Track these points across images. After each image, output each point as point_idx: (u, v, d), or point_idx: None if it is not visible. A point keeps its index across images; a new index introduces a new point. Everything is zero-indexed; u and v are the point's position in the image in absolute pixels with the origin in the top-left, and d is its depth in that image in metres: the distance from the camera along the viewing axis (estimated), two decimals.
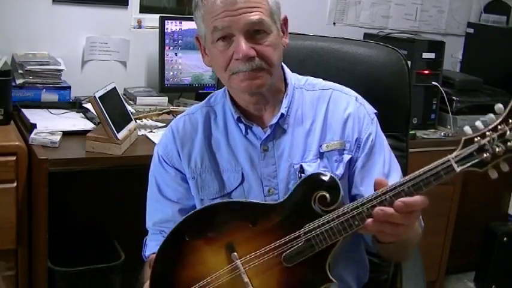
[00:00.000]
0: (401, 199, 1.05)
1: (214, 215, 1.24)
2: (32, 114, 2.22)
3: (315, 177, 1.20)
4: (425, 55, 2.81)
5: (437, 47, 2.85)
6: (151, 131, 2.27)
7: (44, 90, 2.37)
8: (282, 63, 1.37)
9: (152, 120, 2.38)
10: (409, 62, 1.64)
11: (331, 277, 1.15)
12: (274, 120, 1.32)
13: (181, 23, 2.60)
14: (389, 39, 2.97)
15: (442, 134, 2.80)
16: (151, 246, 1.39)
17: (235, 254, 1.19)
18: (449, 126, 2.88)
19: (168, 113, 2.43)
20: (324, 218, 1.14)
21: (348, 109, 1.34)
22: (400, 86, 1.59)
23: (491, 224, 3.04)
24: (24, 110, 2.25)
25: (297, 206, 1.19)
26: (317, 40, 1.70)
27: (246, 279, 1.17)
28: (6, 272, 2.01)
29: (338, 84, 1.40)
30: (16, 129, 2.14)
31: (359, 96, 1.38)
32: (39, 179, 1.91)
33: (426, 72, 2.79)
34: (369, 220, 1.08)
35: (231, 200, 1.32)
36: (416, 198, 1.06)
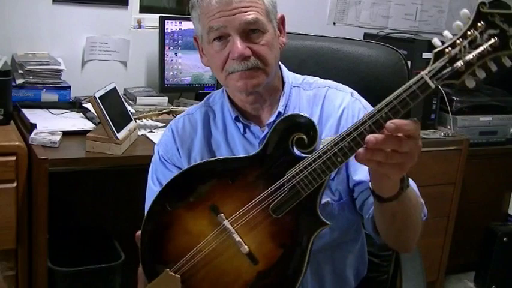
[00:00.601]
0: (393, 120, 0.99)
1: (191, 179, 1.20)
2: (32, 114, 2.22)
3: (288, 119, 1.15)
4: (425, 55, 2.81)
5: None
6: (151, 131, 2.27)
7: (44, 90, 2.37)
8: (280, 63, 1.37)
9: (152, 120, 2.39)
10: (409, 62, 1.64)
11: (324, 219, 1.12)
12: (272, 119, 1.32)
13: (181, 23, 2.60)
14: (389, 39, 2.97)
15: (442, 134, 2.81)
16: None
17: (222, 215, 1.15)
18: (449, 126, 2.88)
19: (168, 113, 2.43)
20: (305, 160, 1.08)
21: (343, 104, 1.33)
22: (400, 86, 1.58)
23: (491, 224, 3.04)
24: (24, 110, 2.25)
25: (275, 153, 1.14)
26: (317, 40, 1.70)
27: (238, 238, 1.14)
28: (6, 272, 2.01)
29: (334, 82, 1.39)
30: (16, 129, 2.14)
31: (355, 92, 1.37)
32: (39, 179, 1.91)
33: None
34: (360, 149, 1.02)
35: (203, 160, 1.28)
36: (407, 120, 1.00)
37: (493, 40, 0.96)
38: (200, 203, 1.18)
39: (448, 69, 0.98)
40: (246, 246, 1.14)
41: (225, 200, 1.17)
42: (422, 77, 0.99)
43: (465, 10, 0.98)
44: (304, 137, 1.11)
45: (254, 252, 1.14)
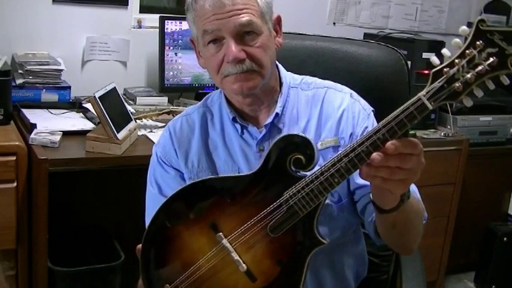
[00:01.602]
0: (392, 141, 1.00)
1: (190, 197, 1.21)
2: (32, 114, 2.22)
3: (286, 139, 1.15)
4: (425, 55, 2.81)
5: (437, 47, 2.85)
6: (151, 131, 2.27)
7: (44, 90, 2.37)
8: (277, 63, 1.37)
9: (152, 120, 2.39)
10: (409, 62, 1.64)
11: (321, 239, 1.13)
12: (270, 120, 1.31)
13: (181, 23, 2.60)
14: (389, 39, 2.97)
15: (442, 134, 2.81)
16: None
17: (221, 234, 1.16)
18: (449, 126, 2.88)
19: (168, 113, 2.43)
20: (302, 181, 1.10)
21: (342, 106, 1.33)
22: (400, 86, 1.59)
23: (491, 224, 3.05)
24: (24, 110, 2.25)
25: (273, 173, 1.15)
26: (317, 40, 1.70)
27: (236, 257, 1.15)
28: (7, 272, 2.01)
29: (333, 82, 1.39)
30: (16, 129, 2.14)
31: (354, 93, 1.37)
32: (39, 179, 1.91)
33: (426, 72, 2.78)
34: (364, 166, 1.03)
35: (202, 178, 1.28)
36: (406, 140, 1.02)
37: (491, 59, 0.95)
38: (200, 221, 1.19)
39: (445, 90, 0.98)
40: (244, 265, 1.15)
41: (224, 218, 1.17)
42: (420, 99, 0.99)
43: (464, 27, 0.97)
44: (301, 157, 1.12)
45: (252, 270, 1.16)
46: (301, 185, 1.10)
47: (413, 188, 1.26)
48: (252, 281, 1.16)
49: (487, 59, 0.96)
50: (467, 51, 0.97)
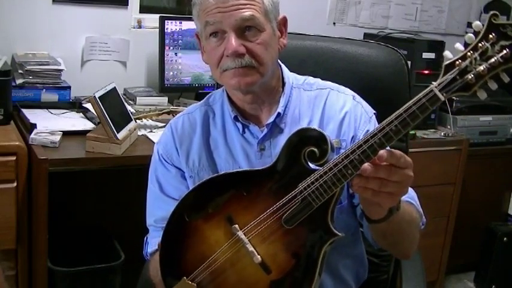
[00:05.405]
0: (383, 150, 1.02)
1: (207, 191, 1.23)
2: (32, 114, 2.22)
3: (301, 133, 1.17)
4: (425, 55, 2.81)
5: (437, 47, 2.85)
6: (151, 131, 2.27)
7: (44, 90, 2.37)
8: (280, 63, 1.37)
9: (152, 120, 2.39)
10: (409, 62, 1.64)
11: (335, 231, 1.14)
12: (271, 120, 1.31)
13: (181, 23, 2.60)
14: (389, 39, 2.97)
15: (442, 134, 2.81)
16: (153, 243, 1.38)
17: (236, 226, 1.18)
18: (449, 126, 2.88)
19: (168, 113, 2.43)
20: (316, 173, 1.11)
21: (345, 108, 1.33)
22: (400, 86, 1.59)
23: (491, 224, 3.05)
24: (24, 110, 2.25)
25: (287, 166, 1.17)
26: (317, 40, 1.70)
27: (251, 249, 1.17)
28: (7, 272, 2.01)
29: (336, 84, 1.39)
30: (16, 129, 2.14)
31: (356, 95, 1.37)
32: (39, 179, 1.91)
33: (426, 72, 2.79)
34: (355, 178, 1.05)
35: (220, 173, 1.30)
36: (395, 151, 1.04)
37: (504, 51, 0.97)
38: (216, 214, 1.21)
39: (458, 82, 1.00)
40: (259, 256, 1.17)
41: (239, 211, 1.19)
42: (431, 90, 1.01)
43: (477, 22, 0.99)
44: (315, 150, 1.14)
45: (267, 261, 1.17)
46: (315, 177, 1.11)
47: (411, 194, 1.27)
48: (266, 273, 1.17)
49: (500, 51, 0.97)
50: (480, 44, 0.98)
